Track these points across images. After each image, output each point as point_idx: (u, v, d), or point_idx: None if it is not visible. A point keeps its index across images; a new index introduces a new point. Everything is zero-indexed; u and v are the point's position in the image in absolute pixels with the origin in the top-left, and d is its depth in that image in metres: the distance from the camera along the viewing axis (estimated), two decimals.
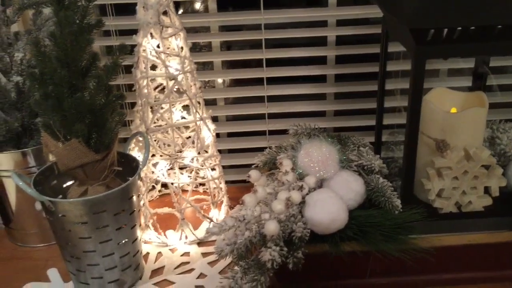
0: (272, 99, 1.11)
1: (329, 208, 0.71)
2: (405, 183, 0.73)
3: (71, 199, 0.72)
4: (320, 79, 1.13)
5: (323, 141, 0.79)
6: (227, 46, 1.15)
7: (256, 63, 1.12)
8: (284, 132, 1.14)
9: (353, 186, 0.76)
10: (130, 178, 0.80)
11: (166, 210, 0.92)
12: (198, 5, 1.13)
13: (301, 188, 0.73)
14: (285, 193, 0.70)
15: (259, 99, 1.13)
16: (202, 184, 0.99)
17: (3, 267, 0.88)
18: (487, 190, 0.75)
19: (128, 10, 0.96)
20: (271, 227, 0.66)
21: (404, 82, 0.78)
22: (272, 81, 1.10)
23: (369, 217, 0.73)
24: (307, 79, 1.11)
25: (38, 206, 0.75)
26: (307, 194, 0.74)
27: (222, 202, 0.95)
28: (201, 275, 0.83)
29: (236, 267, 0.72)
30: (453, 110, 0.75)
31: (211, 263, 0.85)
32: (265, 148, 1.15)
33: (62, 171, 0.76)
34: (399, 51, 0.85)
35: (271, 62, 1.08)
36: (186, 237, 0.91)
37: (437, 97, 0.76)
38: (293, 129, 0.92)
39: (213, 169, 0.92)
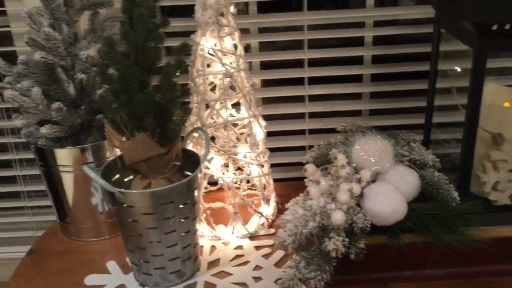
0: (310, 99, 1.14)
1: (390, 200, 0.73)
2: (462, 176, 0.75)
3: (142, 190, 0.74)
4: (356, 79, 1.15)
5: (377, 136, 0.81)
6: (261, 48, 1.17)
7: (294, 64, 1.14)
8: (322, 131, 1.17)
9: (409, 179, 0.78)
10: (189, 173, 0.83)
11: (219, 204, 0.94)
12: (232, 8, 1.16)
13: (359, 180, 0.75)
14: (347, 185, 0.72)
15: (296, 99, 1.16)
16: (247, 181, 1.01)
17: (62, 260, 0.91)
18: None
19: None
20: (338, 217, 0.68)
21: (455, 80, 0.81)
22: (311, 81, 1.13)
23: (427, 209, 0.75)
24: (341, 79, 1.13)
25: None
26: (364, 187, 0.76)
27: (270, 198, 0.97)
28: (257, 267, 0.85)
29: (296, 257, 0.74)
30: (506, 104, 0.77)
31: (265, 256, 0.88)
32: (304, 147, 1.20)
33: (127, 165, 0.79)
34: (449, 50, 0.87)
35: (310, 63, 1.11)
36: (237, 231, 0.93)
37: (490, 93, 0.78)
38: (342, 126, 0.94)
39: (261, 165, 0.95)
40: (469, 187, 0.76)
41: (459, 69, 0.85)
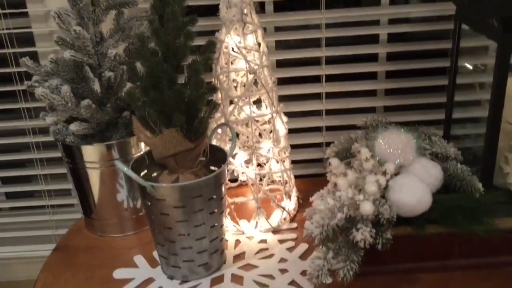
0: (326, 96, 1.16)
1: (415, 191, 0.74)
2: (485, 168, 0.77)
3: (173, 184, 0.76)
4: (370, 77, 1.17)
5: (400, 130, 0.83)
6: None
7: (310, 62, 1.16)
8: (338, 128, 1.19)
9: (432, 171, 0.80)
10: (214, 168, 0.84)
11: (243, 199, 0.96)
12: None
13: (384, 173, 0.77)
14: (374, 177, 0.74)
15: (312, 97, 1.17)
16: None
17: (88, 255, 0.93)
18: None
19: None
20: (367, 207, 0.70)
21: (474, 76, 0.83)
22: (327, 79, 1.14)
23: (451, 200, 0.77)
24: (356, 76, 1.15)
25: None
26: (388, 179, 0.78)
27: (291, 193, 0.98)
28: (282, 260, 0.87)
29: (324, 249, 0.76)
30: None
31: (289, 249, 0.89)
32: (321, 143, 1.21)
33: (155, 160, 0.80)
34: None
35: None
36: (260, 226, 0.94)
37: (510, 86, 0.79)
38: (362, 122, 0.96)
39: (283, 161, 0.96)
40: (493, 178, 0.78)
41: (478, 65, 0.86)
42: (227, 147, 0.90)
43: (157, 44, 0.74)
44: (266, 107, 0.93)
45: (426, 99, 1.14)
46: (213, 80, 0.91)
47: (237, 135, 0.94)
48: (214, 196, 0.79)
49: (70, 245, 0.96)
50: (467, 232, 0.74)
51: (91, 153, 0.90)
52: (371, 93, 1.19)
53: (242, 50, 0.86)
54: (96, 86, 0.91)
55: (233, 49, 0.88)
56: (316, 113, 1.19)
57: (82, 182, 0.94)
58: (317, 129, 1.21)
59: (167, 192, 0.75)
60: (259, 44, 0.90)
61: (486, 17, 0.69)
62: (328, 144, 1.21)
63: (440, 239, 0.76)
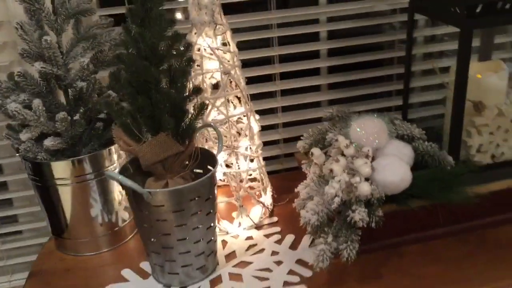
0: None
1: (398, 170, 0.80)
2: (452, 142, 0.85)
3: (173, 188, 0.75)
4: (313, 73, 1.22)
5: (372, 116, 0.89)
6: None
7: (263, 62, 1.19)
8: (293, 124, 1.23)
9: (405, 151, 0.86)
10: (198, 170, 0.84)
11: (226, 199, 0.96)
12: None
13: (367, 156, 0.82)
14: (362, 160, 0.79)
15: (268, 95, 1.21)
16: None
17: (69, 277, 0.88)
18: None
19: None
20: (366, 188, 0.74)
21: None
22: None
23: (427, 175, 0.83)
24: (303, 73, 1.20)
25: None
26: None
27: (267, 188, 1.01)
28: (274, 253, 0.89)
29: (323, 234, 0.79)
30: (479, 76, 0.88)
31: (277, 242, 0.91)
32: (278, 140, 1.25)
33: (143, 167, 0.78)
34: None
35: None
36: (243, 224, 0.96)
37: None
38: (328, 113, 1.00)
39: (258, 157, 0.98)
40: (460, 152, 0.86)
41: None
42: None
43: (141, 48, 0.72)
44: (235, 107, 0.95)
45: (374, 89, 1.22)
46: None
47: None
48: (210, 197, 0.79)
49: (45, 269, 0.91)
50: (446, 202, 0.81)
51: (59, 169, 0.86)
52: (315, 89, 1.25)
53: (215, 51, 0.87)
54: (63, 99, 0.86)
55: (205, 50, 0.88)
56: (271, 111, 1.23)
57: (52, 201, 0.89)
58: (273, 127, 1.24)
59: (166, 197, 0.74)
60: (227, 44, 0.91)
61: (451, 5, 0.77)
62: (285, 140, 1.25)
63: (422, 212, 0.82)
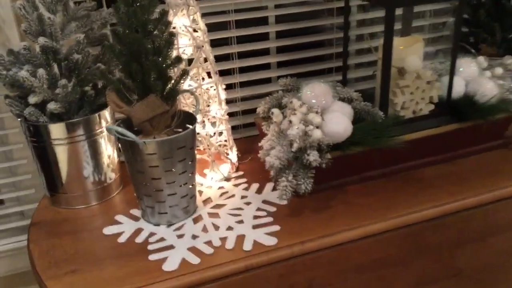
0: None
1: (342, 121, 1.01)
2: (382, 100, 1.06)
3: (164, 138, 0.91)
4: (264, 53, 1.41)
5: (319, 82, 1.09)
6: None
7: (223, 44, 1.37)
8: (249, 98, 1.42)
9: (347, 109, 1.07)
10: (179, 129, 1.01)
11: (199, 156, 1.13)
12: None
13: (317, 112, 1.02)
14: (313, 114, 0.98)
15: (227, 72, 1.39)
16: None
17: (68, 224, 1.01)
18: (431, 99, 1.12)
19: None
20: (318, 133, 0.94)
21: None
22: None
23: (363, 126, 1.04)
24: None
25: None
26: None
27: (233, 147, 1.19)
28: (243, 197, 1.07)
29: (284, 175, 0.98)
30: (401, 47, 1.10)
31: (245, 189, 1.10)
32: (237, 112, 1.43)
33: (134, 125, 0.94)
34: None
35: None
36: (214, 177, 1.13)
37: None
38: (282, 82, 1.20)
39: (225, 120, 1.16)
40: (388, 108, 1.08)
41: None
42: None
43: (133, 24, 0.88)
44: (203, 79, 1.12)
45: (318, 66, 1.43)
46: None
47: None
48: (193, 146, 0.96)
49: (44, 220, 1.03)
50: (379, 147, 1.02)
51: (56, 131, 0.99)
52: (267, 67, 1.43)
53: (189, 29, 1.04)
54: (56, 70, 1.00)
55: (180, 28, 1.04)
56: (230, 87, 1.40)
57: (48, 159, 1.02)
58: (232, 101, 1.42)
59: (157, 146, 0.90)
60: (198, 24, 1.08)
61: None
62: (243, 112, 1.44)
63: (360, 156, 1.03)
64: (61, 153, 1.02)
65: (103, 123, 1.05)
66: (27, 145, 1.17)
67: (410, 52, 1.08)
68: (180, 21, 1.04)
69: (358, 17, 1.43)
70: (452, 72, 1.10)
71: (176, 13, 1.03)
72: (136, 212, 1.03)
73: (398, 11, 1.01)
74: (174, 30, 1.04)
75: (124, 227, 0.98)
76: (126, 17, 0.86)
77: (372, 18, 1.45)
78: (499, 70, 1.21)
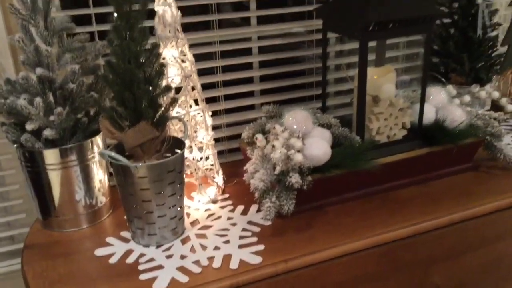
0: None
1: (321, 146, 1.08)
2: (358, 126, 1.14)
3: (156, 162, 0.97)
4: (248, 81, 1.48)
5: (300, 109, 1.16)
6: None
7: (208, 73, 1.44)
8: (233, 124, 1.48)
9: (326, 135, 1.14)
10: (169, 154, 1.06)
11: (186, 179, 1.18)
12: None
13: (298, 137, 1.08)
14: (295, 138, 1.05)
15: (213, 100, 1.45)
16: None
17: (61, 245, 1.05)
18: (403, 125, 1.19)
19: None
20: (299, 157, 1.01)
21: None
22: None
23: (342, 150, 1.11)
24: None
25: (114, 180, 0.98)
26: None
27: (219, 171, 1.24)
28: (229, 218, 1.12)
29: (267, 196, 1.04)
30: (376, 77, 1.19)
31: (231, 211, 1.15)
32: (222, 138, 1.49)
33: (126, 150, 0.99)
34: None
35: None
36: (201, 200, 1.19)
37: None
38: (266, 109, 1.27)
39: (212, 145, 1.22)
40: (364, 133, 1.15)
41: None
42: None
43: (126, 55, 0.94)
44: (191, 106, 1.18)
45: (299, 94, 1.51)
46: None
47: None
48: (182, 170, 1.01)
49: (37, 243, 1.07)
50: (357, 170, 1.09)
51: (51, 156, 1.04)
52: (250, 94, 1.51)
53: (178, 59, 1.11)
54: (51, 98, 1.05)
55: (169, 59, 1.11)
56: (216, 113, 1.47)
57: (42, 184, 1.06)
58: (218, 127, 1.48)
59: (149, 169, 0.95)
60: (186, 55, 1.15)
61: (352, 24, 1.06)
62: (228, 138, 1.50)
63: (339, 178, 1.10)
64: (55, 178, 1.06)
65: (95, 149, 1.10)
66: (19, 171, 1.22)
67: (383, 81, 1.17)
68: (169, 53, 1.11)
69: (336, 48, 1.52)
70: (422, 100, 1.19)
71: (165, 45, 1.10)
72: (126, 234, 1.08)
73: (372, 43, 1.10)
74: (164, 61, 1.11)
75: (115, 249, 1.03)
76: (120, 49, 0.92)
77: (349, 49, 1.54)
78: (467, 98, 1.31)
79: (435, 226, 1.09)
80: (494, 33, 1.46)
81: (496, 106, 1.42)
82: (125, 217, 1.05)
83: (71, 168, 1.07)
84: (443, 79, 1.44)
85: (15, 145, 1.04)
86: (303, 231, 1.06)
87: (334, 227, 1.07)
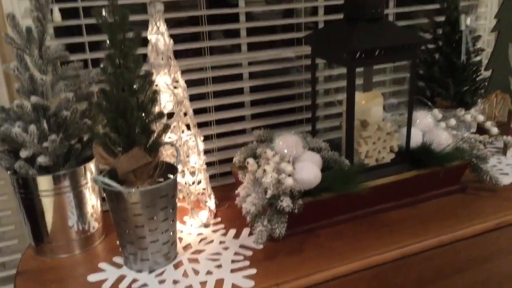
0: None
1: (312, 170, 1.10)
2: (348, 150, 1.16)
3: (149, 187, 0.98)
4: (239, 106, 1.51)
5: (290, 133, 1.18)
6: None
7: (200, 98, 1.46)
8: (225, 148, 1.50)
9: (316, 158, 1.16)
10: (162, 179, 1.08)
11: (178, 204, 1.20)
12: None
13: (289, 161, 1.11)
14: (285, 163, 1.07)
15: (204, 124, 1.47)
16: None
17: (54, 271, 1.05)
18: (391, 149, 1.22)
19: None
20: (290, 181, 1.02)
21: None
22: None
23: (331, 174, 1.14)
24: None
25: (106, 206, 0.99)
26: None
27: (211, 195, 1.26)
28: (221, 242, 1.13)
29: (259, 220, 1.05)
30: (364, 102, 1.22)
31: (223, 235, 1.16)
32: (214, 162, 1.51)
33: (119, 176, 1.01)
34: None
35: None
36: (194, 224, 1.20)
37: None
38: (257, 134, 1.29)
39: (204, 170, 1.23)
40: (353, 157, 1.18)
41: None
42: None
43: (120, 82, 0.96)
44: (183, 131, 1.20)
45: (289, 118, 1.54)
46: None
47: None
48: (174, 195, 1.02)
49: (29, 269, 1.07)
50: (347, 193, 1.11)
51: (44, 182, 1.04)
52: (241, 119, 1.53)
53: (170, 86, 1.13)
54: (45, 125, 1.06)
55: (161, 86, 1.13)
56: (207, 138, 1.49)
57: (35, 210, 1.07)
58: (210, 151, 1.50)
59: (142, 195, 0.97)
60: (178, 82, 1.17)
61: (340, 52, 1.10)
62: (220, 162, 1.51)
63: (330, 202, 1.12)
64: (48, 204, 1.07)
65: (88, 175, 1.11)
66: (11, 197, 1.22)
67: (371, 106, 1.19)
68: (162, 79, 1.13)
69: (325, 73, 1.55)
70: (409, 124, 1.22)
71: (158, 72, 1.12)
72: (118, 259, 1.08)
73: (359, 69, 1.13)
74: (156, 87, 1.13)
75: (107, 274, 1.03)
76: (114, 77, 0.95)
77: (337, 74, 1.57)
78: (452, 121, 1.34)
79: (424, 248, 1.10)
80: (477, 58, 1.51)
81: (481, 129, 1.46)
82: (118, 242, 1.06)
83: (64, 194, 1.08)
84: (429, 103, 1.47)
85: (8, 172, 1.05)
86: (295, 255, 1.07)
87: (325, 250, 1.08)
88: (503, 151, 1.50)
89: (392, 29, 1.15)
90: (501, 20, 1.51)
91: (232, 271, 1.02)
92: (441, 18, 1.51)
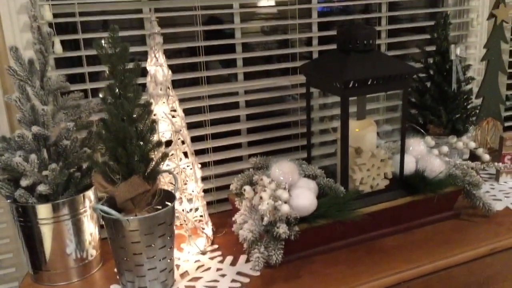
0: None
1: (308, 197, 1.11)
2: (343, 177, 1.18)
3: (147, 215, 0.99)
4: (235, 133, 1.53)
5: (286, 160, 1.20)
6: None
7: (196, 126, 1.49)
8: (222, 175, 1.52)
9: (311, 185, 1.18)
10: (159, 207, 1.09)
11: (176, 231, 1.21)
12: None
13: (285, 188, 1.13)
14: (281, 190, 1.09)
15: (201, 152, 1.50)
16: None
17: None
18: (385, 175, 1.24)
19: None
20: (286, 208, 1.04)
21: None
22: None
23: (327, 201, 1.15)
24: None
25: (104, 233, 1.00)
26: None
27: (208, 222, 1.27)
28: (218, 269, 1.14)
29: (256, 247, 1.07)
30: (357, 130, 1.24)
31: (220, 262, 1.17)
32: (211, 188, 1.52)
33: (118, 204, 1.02)
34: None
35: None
36: (191, 251, 1.21)
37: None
38: (253, 161, 1.31)
39: (201, 197, 1.25)
40: (348, 184, 1.20)
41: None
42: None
43: (120, 112, 0.99)
44: (180, 159, 1.22)
45: (285, 145, 1.56)
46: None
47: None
48: (172, 222, 1.04)
49: None
50: (342, 219, 1.13)
51: (43, 211, 1.06)
52: (238, 146, 1.56)
53: (168, 115, 1.16)
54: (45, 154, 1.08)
55: (160, 115, 1.16)
56: (205, 165, 1.51)
57: (34, 238, 1.08)
58: (207, 178, 1.52)
59: (140, 222, 0.98)
60: (176, 111, 1.20)
61: (333, 81, 1.13)
62: (217, 188, 1.53)
63: (326, 228, 1.13)
64: (46, 232, 1.08)
65: (87, 203, 1.13)
66: (10, 225, 1.23)
67: (365, 133, 1.22)
68: (160, 109, 1.16)
69: (320, 101, 1.59)
70: (402, 151, 1.24)
71: (157, 102, 1.15)
72: (116, 287, 1.09)
73: (353, 97, 1.16)
74: (155, 117, 1.15)
75: None
76: (114, 108, 0.97)
77: (332, 102, 1.61)
78: (445, 148, 1.37)
79: (419, 274, 1.12)
80: (468, 87, 1.55)
81: (473, 155, 1.48)
82: (116, 270, 1.07)
83: (63, 222, 1.09)
84: (422, 130, 1.50)
85: (8, 200, 1.06)
86: (291, 281, 1.08)
87: (321, 276, 1.09)
88: (496, 177, 1.53)
89: (384, 60, 1.19)
90: (490, 49, 1.55)
91: None
92: (432, 48, 1.55)
